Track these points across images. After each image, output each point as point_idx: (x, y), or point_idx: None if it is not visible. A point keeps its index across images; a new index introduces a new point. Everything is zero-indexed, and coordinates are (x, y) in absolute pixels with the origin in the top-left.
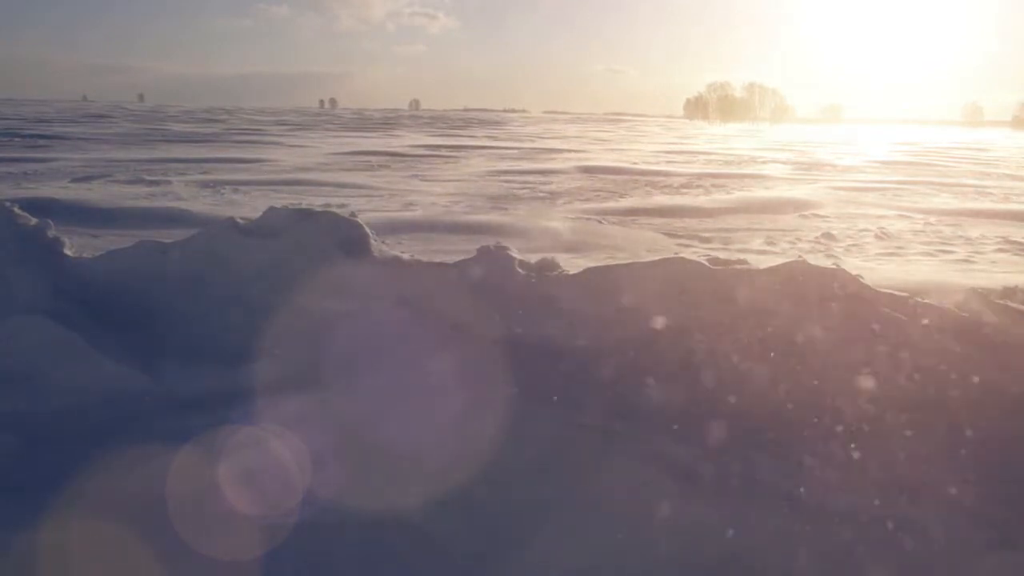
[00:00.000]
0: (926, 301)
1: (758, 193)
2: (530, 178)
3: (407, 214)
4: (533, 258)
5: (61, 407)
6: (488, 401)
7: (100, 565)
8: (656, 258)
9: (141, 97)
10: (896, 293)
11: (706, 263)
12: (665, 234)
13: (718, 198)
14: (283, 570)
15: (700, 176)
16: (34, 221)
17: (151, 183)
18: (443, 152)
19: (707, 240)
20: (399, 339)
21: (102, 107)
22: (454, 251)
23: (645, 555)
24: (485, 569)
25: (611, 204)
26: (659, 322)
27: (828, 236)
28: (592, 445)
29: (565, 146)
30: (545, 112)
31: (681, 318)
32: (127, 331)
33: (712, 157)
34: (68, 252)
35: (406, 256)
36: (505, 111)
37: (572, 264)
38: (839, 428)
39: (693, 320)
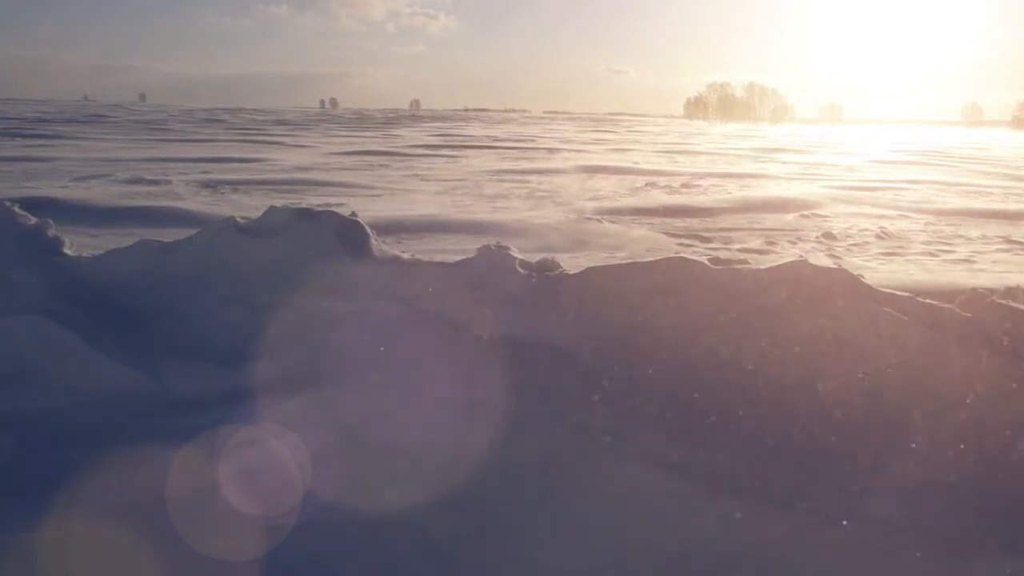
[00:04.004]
0: (928, 301)
1: (758, 193)
2: (530, 177)
3: (407, 214)
4: (533, 258)
5: (61, 407)
6: (488, 401)
7: (100, 565)
8: (656, 258)
9: (142, 97)
10: (897, 293)
11: (707, 263)
12: (665, 234)
13: (718, 198)
14: (283, 570)
15: (700, 176)
16: (34, 220)
17: (151, 182)
18: (443, 152)
19: (707, 240)
20: (399, 339)
21: (103, 107)
22: (454, 251)
23: (646, 556)
24: (485, 569)
25: (611, 204)
26: (659, 322)
27: (829, 236)
28: (592, 446)
29: (565, 146)
30: (545, 112)
31: (682, 318)
32: (127, 331)
33: (712, 157)
34: (68, 252)
35: (406, 256)
36: (505, 111)
37: (572, 264)
38: (841, 428)
39: (694, 320)
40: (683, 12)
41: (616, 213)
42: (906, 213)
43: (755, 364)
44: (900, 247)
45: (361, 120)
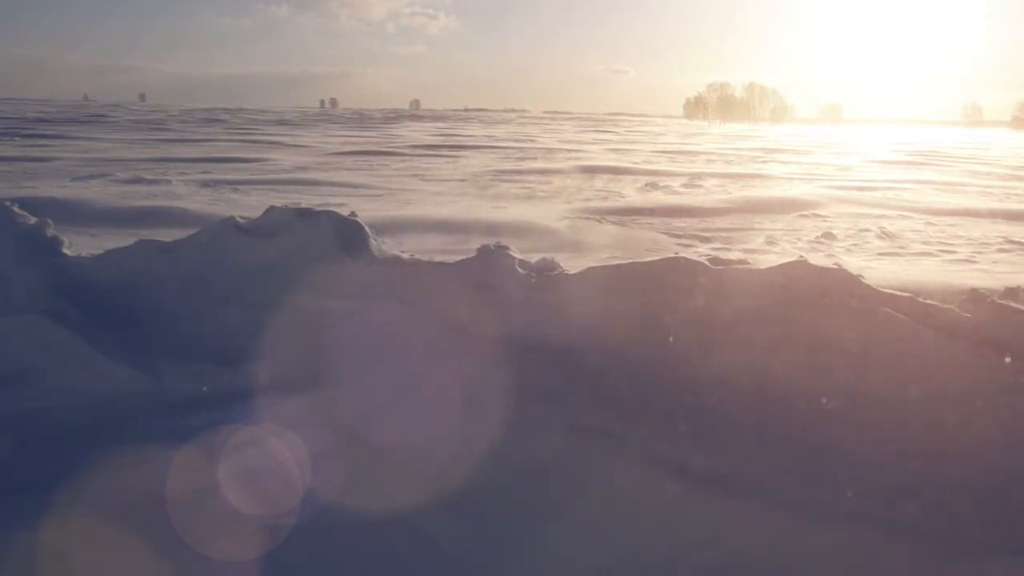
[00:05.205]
0: (928, 301)
1: (758, 193)
2: (530, 177)
3: (407, 213)
4: (533, 258)
5: (60, 407)
6: (488, 402)
7: (100, 565)
8: (656, 258)
9: (142, 97)
10: (897, 293)
11: (706, 263)
12: (665, 234)
13: (718, 198)
14: (283, 570)
15: (700, 176)
16: (33, 220)
17: (151, 182)
18: (443, 152)
19: (707, 240)
20: (399, 339)
21: (103, 107)
22: (454, 251)
23: (646, 557)
24: (485, 570)
25: (611, 204)
26: (659, 322)
27: (829, 236)
28: (592, 446)
29: (565, 146)
30: (545, 112)
31: (682, 318)
32: (127, 331)
33: (712, 157)
34: (67, 251)
35: (406, 256)
36: (505, 111)
37: (572, 264)
38: (841, 428)
39: (693, 320)
40: (683, 12)
41: (616, 213)
42: (906, 213)
43: (755, 364)
44: (900, 247)
45: (361, 120)
